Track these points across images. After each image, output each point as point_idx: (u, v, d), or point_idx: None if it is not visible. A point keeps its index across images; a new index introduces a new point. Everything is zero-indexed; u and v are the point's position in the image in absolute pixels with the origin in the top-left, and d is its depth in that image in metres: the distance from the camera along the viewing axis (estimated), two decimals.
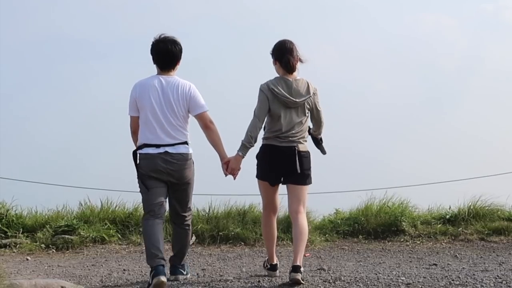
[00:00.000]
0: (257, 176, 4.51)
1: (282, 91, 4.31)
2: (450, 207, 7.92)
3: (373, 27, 16.37)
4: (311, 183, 4.49)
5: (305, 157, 4.41)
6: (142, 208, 6.21)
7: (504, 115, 14.26)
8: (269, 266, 4.71)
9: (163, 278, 4.01)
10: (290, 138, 4.35)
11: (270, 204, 4.56)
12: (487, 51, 16.09)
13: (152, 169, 4.32)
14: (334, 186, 9.15)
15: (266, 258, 4.79)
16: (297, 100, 4.33)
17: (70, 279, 4.63)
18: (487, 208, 7.74)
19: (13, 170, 8.87)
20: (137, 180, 4.43)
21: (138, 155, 4.42)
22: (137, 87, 4.43)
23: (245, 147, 4.34)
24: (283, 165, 4.36)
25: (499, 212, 7.74)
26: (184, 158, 4.39)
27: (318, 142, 4.78)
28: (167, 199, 4.48)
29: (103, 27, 15.61)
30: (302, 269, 4.22)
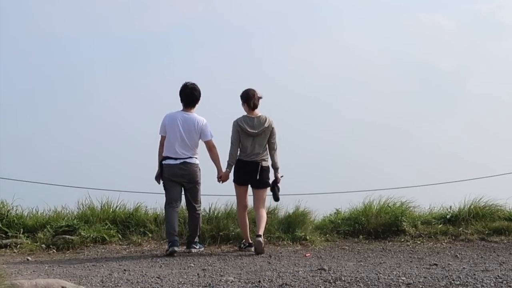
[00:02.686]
0: (233, 181, 6.53)
1: (246, 126, 6.41)
2: (450, 207, 7.92)
3: (372, 26, 16.41)
4: (269, 185, 6.51)
5: (265, 170, 6.47)
6: (142, 209, 7.66)
7: (503, 114, 14.27)
8: (247, 245, 6.57)
9: (177, 249, 6.22)
10: (254, 157, 6.41)
11: (241, 200, 6.54)
12: (486, 50, 16.12)
13: (171, 174, 6.34)
14: (334, 186, 9.16)
15: (243, 241, 6.65)
16: (256, 131, 6.39)
17: (70, 279, 4.63)
18: (487, 208, 7.73)
19: (13, 170, 8.88)
20: (162, 181, 6.42)
21: (163, 164, 6.36)
22: (167, 117, 6.45)
23: (229, 165, 6.50)
24: (250, 174, 6.44)
25: (499, 212, 7.73)
26: (192, 167, 6.39)
27: (274, 187, 6.48)
28: (182, 194, 6.47)
29: (102, 27, 15.63)
30: (262, 235, 6.36)
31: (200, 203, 6.55)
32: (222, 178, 6.49)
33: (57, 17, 15.40)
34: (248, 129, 6.40)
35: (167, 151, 6.37)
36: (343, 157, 12.43)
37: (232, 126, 6.49)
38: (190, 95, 6.42)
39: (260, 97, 6.55)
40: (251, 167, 6.41)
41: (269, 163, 6.51)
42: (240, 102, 6.58)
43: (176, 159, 6.32)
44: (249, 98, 6.48)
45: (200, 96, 6.46)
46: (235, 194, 6.64)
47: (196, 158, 6.43)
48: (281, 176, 6.51)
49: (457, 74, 15.97)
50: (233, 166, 6.46)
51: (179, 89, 6.44)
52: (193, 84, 6.46)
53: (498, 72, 15.45)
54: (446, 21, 16.67)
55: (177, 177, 6.34)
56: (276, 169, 6.51)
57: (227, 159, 6.49)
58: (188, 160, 6.34)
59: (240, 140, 6.45)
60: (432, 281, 4.39)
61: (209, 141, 6.47)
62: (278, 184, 6.48)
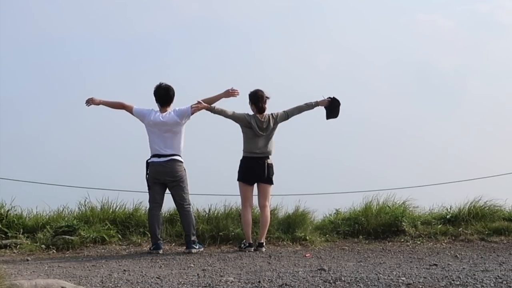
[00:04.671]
0: (238, 179, 6.69)
1: (255, 125, 6.62)
2: (450, 207, 7.92)
3: (371, 26, 16.41)
4: (273, 183, 6.70)
5: (270, 166, 6.64)
6: (142, 209, 7.97)
7: (503, 114, 14.27)
8: (247, 245, 6.57)
9: (160, 251, 6.46)
10: (260, 154, 6.61)
11: (247, 199, 6.67)
12: (486, 50, 16.12)
13: (155, 172, 6.52)
14: (334, 186, 9.16)
15: (243, 241, 6.66)
16: (264, 133, 6.65)
17: (70, 280, 4.62)
18: (487, 208, 7.73)
19: (13, 170, 8.87)
20: (147, 176, 6.56)
21: (148, 163, 6.55)
22: (149, 114, 6.55)
23: (212, 107, 6.59)
24: (256, 171, 6.61)
25: (499, 212, 7.74)
26: (176, 165, 6.51)
27: (332, 108, 6.90)
28: (165, 193, 6.61)
29: (101, 28, 15.63)
30: (264, 244, 6.62)
31: (188, 200, 6.59)
32: (200, 103, 6.54)
33: (57, 18, 15.40)
34: (258, 131, 6.62)
35: (152, 149, 6.58)
36: (343, 157, 12.42)
37: (245, 114, 6.67)
38: (165, 96, 6.60)
39: (268, 98, 6.74)
40: (258, 164, 6.58)
41: (272, 160, 6.68)
42: (248, 101, 6.75)
43: (160, 156, 6.48)
44: (258, 100, 6.69)
45: (174, 95, 6.63)
46: (239, 193, 6.72)
47: (179, 156, 6.54)
48: (327, 98, 6.84)
49: (456, 74, 15.99)
50: (212, 109, 6.57)
51: (153, 90, 6.62)
52: (167, 84, 6.64)
53: (498, 72, 15.46)
54: (445, 21, 16.69)
55: (160, 175, 6.48)
56: (315, 102, 6.84)
57: (216, 103, 6.64)
58: (171, 158, 6.47)
59: (234, 118, 6.64)
60: (432, 281, 4.39)
61: (192, 108, 6.53)
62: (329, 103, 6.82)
